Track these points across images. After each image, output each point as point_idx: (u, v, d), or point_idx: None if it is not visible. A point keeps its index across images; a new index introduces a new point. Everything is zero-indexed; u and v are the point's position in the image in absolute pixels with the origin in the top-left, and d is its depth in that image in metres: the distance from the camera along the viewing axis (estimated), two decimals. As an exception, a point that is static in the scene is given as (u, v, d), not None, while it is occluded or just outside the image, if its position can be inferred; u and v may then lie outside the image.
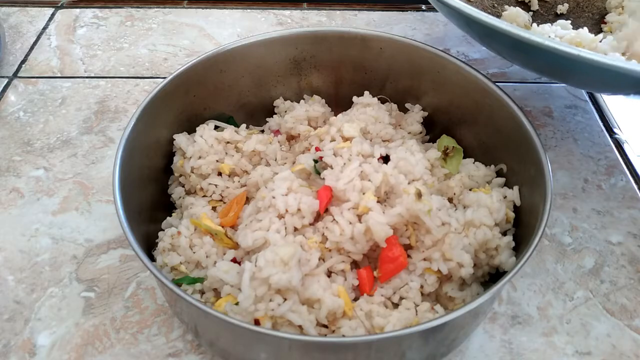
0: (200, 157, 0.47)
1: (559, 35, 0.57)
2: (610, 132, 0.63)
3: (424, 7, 0.80)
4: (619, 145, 0.61)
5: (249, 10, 0.79)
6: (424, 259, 0.41)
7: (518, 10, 0.67)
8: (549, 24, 0.62)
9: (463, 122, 0.51)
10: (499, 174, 0.48)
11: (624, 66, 0.39)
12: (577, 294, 0.48)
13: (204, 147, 0.48)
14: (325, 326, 0.39)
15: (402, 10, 0.79)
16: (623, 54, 0.52)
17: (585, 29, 0.54)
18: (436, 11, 0.79)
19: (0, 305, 0.46)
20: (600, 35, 0.54)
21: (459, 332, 0.40)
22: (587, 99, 0.67)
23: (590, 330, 0.46)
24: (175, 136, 0.48)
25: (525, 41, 0.41)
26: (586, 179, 0.57)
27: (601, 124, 0.64)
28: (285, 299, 0.37)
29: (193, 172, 0.47)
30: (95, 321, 0.45)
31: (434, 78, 0.52)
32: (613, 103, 0.66)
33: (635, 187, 0.57)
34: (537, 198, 0.41)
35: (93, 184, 0.55)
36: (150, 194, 0.46)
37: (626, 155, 0.60)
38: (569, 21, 0.61)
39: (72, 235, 0.51)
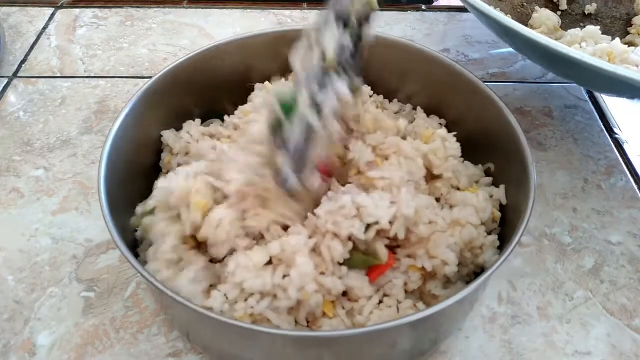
0: (187, 154, 0.48)
1: (587, 38, 0.60)
2: (610, 132, 0.63)
3: (424, 7, 0.80)
4: (619, 145, 0.61)
5: (249, 10, 0.79)
6: (409, 256, 0.41)
7: (548, 12, 0.68)
8: (578, 29, 0.63)
9: (453, 121, 0.51)
10: (487, 173, 0.48)
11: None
12: (577, 294, 0.48)
13: (187, 144, 0.48)
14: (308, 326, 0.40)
15: (402, 11, 0.79)
16: None
17: (618, 39, 0.56)
18: (436, 11, 0.80)
19: (0, 305, 0.46)
20: (632, 48, 0.56)
21: (442, 329, 0.40)
22: (587, 99, 0.67)
23: (590, 330, 0.46)
24: (163, 132, 0.49)
25: (562, 56, 0.45)
26: (586, 179, 0.57)
27: (601, 124, 0.64)
28: (262, 297, 0.38)
29: None
30: (95, 321, 0.45)
31: (425, 77, 0.52)
32: (613, 103, 0.66)
33: (635, 187, 0.57)
34: (522, 197, 0.41)
35: (93, 184, 0.55)
36: (139, 191, 0.46)
37: (626, 155, 0.60)
38: (598, 27, 0.63)
39: (72, 235, 0.51)
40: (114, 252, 0.49)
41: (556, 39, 0.65)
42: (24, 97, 0.64)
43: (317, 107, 0.38)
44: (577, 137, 0.62)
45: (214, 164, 0.43)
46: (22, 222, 0.51)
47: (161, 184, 0.41)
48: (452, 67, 0.49)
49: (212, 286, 0.40)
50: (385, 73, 0.53)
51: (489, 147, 0.48)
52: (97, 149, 0.58)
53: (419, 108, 0.52)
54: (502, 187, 0.45)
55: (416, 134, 0.49)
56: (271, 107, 0.37)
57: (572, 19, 0.72)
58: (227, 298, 0.37)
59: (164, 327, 0.44)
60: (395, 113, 0.53)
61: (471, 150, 0.48)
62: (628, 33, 0.69)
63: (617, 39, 0.56)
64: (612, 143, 0.61)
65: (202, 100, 0.51)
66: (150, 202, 0.42)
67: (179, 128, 0.50)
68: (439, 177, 0.46)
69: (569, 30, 0.64)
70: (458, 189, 0.46)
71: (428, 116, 0.52)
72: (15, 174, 0.56)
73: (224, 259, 0.40)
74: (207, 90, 0.51)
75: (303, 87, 0.37)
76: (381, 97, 0.54)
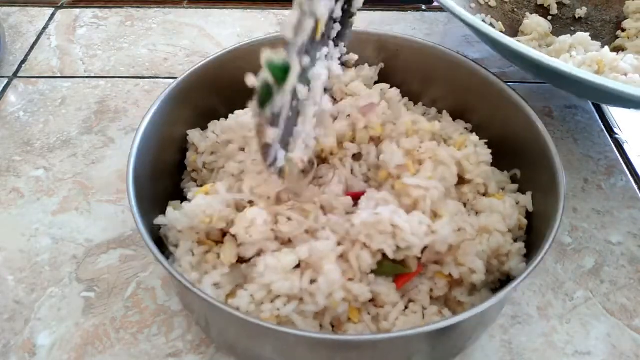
0: (212, 153, 0.48)
1: (576, 45, 0.60)
2: (610, 132, 0.63)
3: (424, 7, 0.80)
4: (619, 145, 0.61)
5: (249, 10, 0.79)
6: (435, 262, 0.41)
7: (538, 19, 0.68)
8: (568, 35, 0.63)
9: (478, 126, 0.51)
10: (513, 179, 0.48)
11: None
12: (577, 294, 0.48)
13: (215, 143, 0.48)
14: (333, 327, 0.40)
15: (402, 11, 0.79)
16: None
17: (607, 48, 0.56)
18: (436, 11, 0.80)
19: (0, 305, 0.46)
20: (622, 54, 0.55)
21: (465, 337, 0.40)
22: (587, 99, 0.67)
23: (590, 330, 0.46)
24: (189, 131, 0.49)
25: (551, 69, 0.45)
26: (586, 179, 0.57)
27: (601, 124, 0.64)
28: (288, 300, 0.38)
29: (205, 168, 0.48)
30: (95, 321, 0.45)
31: (450, 81, 0.51)
32: (613, 103, 0.66)
33: (635, 187, 0.57)
34: (549, 205, 0.40)
35: (93, 184, 0.55)
36: (164, 189, 0.46)
37: (626, 155, 0.60)
38: (588, 33, 0.63)
39: (72, 235, 0.51)
40: (114, 252, 0.49)
41: (547, 45, 0.65)
42: (24, 97, 0.64)
43: (305, 79, 0.36)
44: (577, 137, 0.62)
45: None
46: (22, 222, 0.51)
47: (170, 214, 0.41)
48: (478, 70, 0.49)
49: (238, 286, 0.40)
50: (409, 76, 0.53)
51: (515, 152, 0.47)
52: (97, 149, 0.58)
53: (444, 112, 0.52)
54: (529, 194, 0.45)
55: (442, 137, 0.49)
56: (261, 76, 0.34)
57: (563, 23, 0.72)
58: (253, 298, 0.37)
59: (164, 327, 0.44)
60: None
61: (496, 156, 0.47)
62: (618, 37, 0.69)
63: (606, 47, 0.56)
64: (612, 143, 0.61)
65: (227, 99, 0.51)
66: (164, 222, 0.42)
67: (204, 127, 0.50)
68: (466, 181, 0.46)
69: (558, 37, 0.64)
70: (484, 194, 0.46)
71: (453, 120, 0.52)
72: (15, 174, 0.56)
73: (250, 259, 0.41)
74: (232, 89, 0.51)
75: (295, 56, 0.34)
76: (406, 99, 0.53)
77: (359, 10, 0.41)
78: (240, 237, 0.39)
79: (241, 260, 0.41)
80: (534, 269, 0.36)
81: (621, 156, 0.60)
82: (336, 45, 0.41)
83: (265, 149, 0.35)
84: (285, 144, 0.37)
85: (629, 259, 0.51)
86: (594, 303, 0.47)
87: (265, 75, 0.33)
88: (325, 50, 0.39)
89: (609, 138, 0.62)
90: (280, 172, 0.38)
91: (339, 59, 0.42)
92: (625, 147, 0.61)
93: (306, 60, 0.35)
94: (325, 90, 0.40)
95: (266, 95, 0.34)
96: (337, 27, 0.40)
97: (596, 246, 0.52)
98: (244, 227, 0.39)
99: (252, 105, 0.34)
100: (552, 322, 0.46)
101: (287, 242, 0.40)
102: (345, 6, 0.40)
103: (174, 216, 0.41)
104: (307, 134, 0.39)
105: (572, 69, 0.44)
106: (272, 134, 0.34)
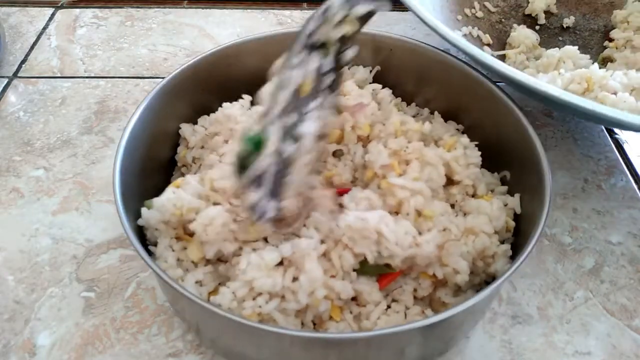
0: (202, 147, 0.48)
1: (565, 58, 0.60)
2: (610, 132, 0.63)
3: (424, 7, 0.80)
4: (619, 145, 0.61)
5: (249, 10, 0.79)
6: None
7: (526, 31, 0.68)
8: (556, 49, 0.62)
9: (470, 127, 0.51)
10: (503, 181, 0.48)
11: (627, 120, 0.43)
12: (577, 294, 0.48)
13: (205, 136, 0.48)
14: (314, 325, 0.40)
15: (402, 11, 0.79)
16: (633, 89, 0.52)
17: (596, 65, 0.55)
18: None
19: (0, 305, 0.46)
20: (611, 71, 0.54)
21: (449, 336, 0.40)
22: (587, 99, 0.67)
23: (590, 330, 0.46)
24: (182, 125, 0.49)
25: (539, 92, 0.44)
26: (586, 179, 0.57)
27: (601, 124, 0.64)
28: (270, 297, 0.38)
29: (194, 162, 0.48)
30: (95, 321, 0.45)
31: (443, 82, 0.51)
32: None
33: (635, 187, 0.57)
34: (536, 207, 0.40)
35: (93, 184, 0.55)
36: (153, 185, 0.46)
37: (626, 155, 0.60)
38: (577, 45, 0.62)
39: (72, 235, 0.51)
40: (114, 252, 0.49)
41: (535, 58, 0.65)
42: (24, 97, 0.64)
43: (293, 136, 0.37)
44: (577, 137, 0.62)
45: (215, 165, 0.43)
46: (22, 222, 0.51)
47: (145, 214, 0.41)
48: (469, 72, 0.49)
49: (220, 283, 0.40)
50: (402, 76, 0.53)
51: (505, 154, 0.47)
52: (97, 149, 0.58)
53: (436, 113, 0.52)
54: (517, 196, 0.45)
55: (433, 138, 0.49)
56: (237, 148, 0.37)
57: (551, 32, 0.71)
58: (235, 295, 0.37)
59: (164, 327, 0.44)
60: (413, 117, 0.53)
61: (487, 158, 0.47)
62: (606, 47, 0.68)
63: (596, 64, 0.55)
64: (612, 143, 0.61)
65: (220, 95, 0.51)
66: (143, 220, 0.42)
67: (197, 123, 0.50)
68: (455, 183, 0.46)
69: (547, 50, 0.63)
70: (472, 196, 0.46)
71: (445, 121, 0.52)
72: (15, 174, 0.56)
73: (226, 260, 0.41)
74: (224, 86, 0.52)
75: (274, 121, 0.36)
76: (399, 99, 0.53)
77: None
78: (199, 234, 0.39)
79: (224, 260, 0.41)
80: (516, 270, 0.36)
81: (621, 156, 0.60)
82: (332, 91, 0.40)
83: (250, 207, 0.36)
84: (275, 193, 0.37)
85: (629, 259, 0.51)
86: (594, 303, 0.47)
87: (242, 147, 0.36)
88: (317, 101, 0.39)
89: (609, 138, 0.62)
90: (271, 220, 0.38)
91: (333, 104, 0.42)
92: (625, 147, 0.61)
93: (292, 118, 0.37)
94: (323, 136, 0.40)
95: (243, 165, 0.36)
96: (330, 77, 0.40)
97: (596, 246, 0.52)
98: (202, 224, 0.39)
99: (232, 172, 0.37)
100: (552, 322, 0.46)
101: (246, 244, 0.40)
102: (338, 57, 0.40)
103: (147, 215, 0.41)
104: (300, 182, 0.39)
105: (562, 92, 0.43)
106: (254, 197, 0.36)
